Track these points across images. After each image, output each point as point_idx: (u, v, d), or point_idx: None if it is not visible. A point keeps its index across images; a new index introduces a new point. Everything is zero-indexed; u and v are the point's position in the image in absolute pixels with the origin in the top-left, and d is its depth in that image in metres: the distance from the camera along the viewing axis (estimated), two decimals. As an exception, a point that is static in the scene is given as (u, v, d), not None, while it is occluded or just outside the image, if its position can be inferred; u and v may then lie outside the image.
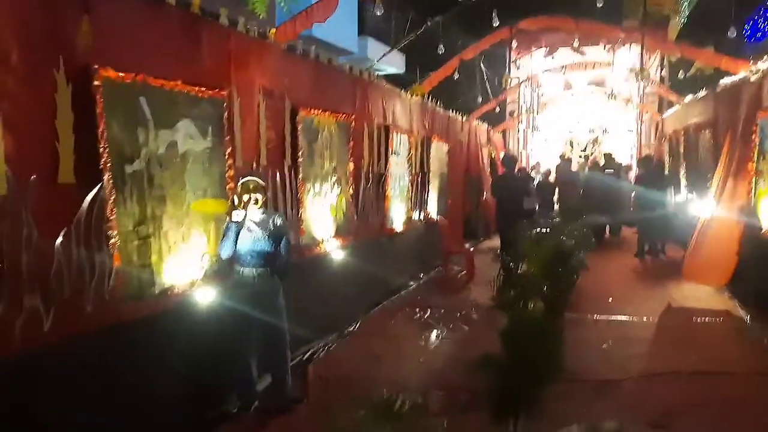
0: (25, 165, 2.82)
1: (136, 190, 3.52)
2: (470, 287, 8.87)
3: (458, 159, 11.91)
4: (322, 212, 6.05)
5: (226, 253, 4.06)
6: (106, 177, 3.26)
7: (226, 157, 4.36)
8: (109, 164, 3.28)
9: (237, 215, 4.00)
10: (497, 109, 16.61)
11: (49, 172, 2.98)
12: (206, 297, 3.98)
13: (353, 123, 6.66)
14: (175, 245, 3.82)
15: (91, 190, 3.18)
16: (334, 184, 6.30)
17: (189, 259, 3.95)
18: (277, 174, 5.18)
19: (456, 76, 11.10)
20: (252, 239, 4.12)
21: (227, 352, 4.14)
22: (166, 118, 3.78)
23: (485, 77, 17.82)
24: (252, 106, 4.82)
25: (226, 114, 4.35)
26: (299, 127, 5.51)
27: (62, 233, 2.98)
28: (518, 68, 17.62)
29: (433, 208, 10.19)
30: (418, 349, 5.90)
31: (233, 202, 4.15)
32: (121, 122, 3.42)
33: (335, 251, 6.24)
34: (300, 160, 5.54)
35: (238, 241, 4.06)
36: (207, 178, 4.17)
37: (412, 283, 8.97)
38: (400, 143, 8.36)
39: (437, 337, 6.29)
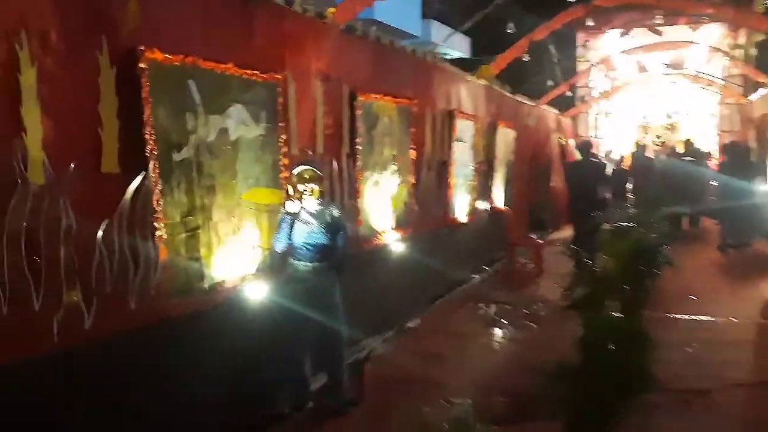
0: (65, 153, 2.65)
1: (184, 179, 3.32)
2: (538, 282, 8.43)
3: (526, 146, 11.38)
4: (381, 202, 5.76)
5: (279, 246, 3.84)
6: (151, 165, 3.07)
7: (281, 144, 4.13)
8: (155, 152, 3.09)
9: (291, 206, 3.78)
10: (568, 93, 15.83)
11: (92, 160, 2.81)
12: (258, 292, 3.78)
13: (415, 108, 6.32)
14: (225, 237, 3.62)
15: (135, 180, 2.99)
16: (394, 172, 6.00)
17: (240, 253, 3.75)
18: (334, 162, 4.93)
19: (525, 58, 10.51)
20: (307, 232, 3.88)
21: (280, 351, 3.93)
22: (217, 102, 3.57)
23: (555, 60, 17.01)
24: (308, 90, 4.57)
25: (280, 99, 4.12)
26: (358, 113, 5.23)
27: (104, 225, 2.81)
28: (590, 50, 16.74)
29: (498, 198, 9.75)
30: (483, 349, 5.56)
31: (287, 192, 3.92)
32: (169, 107, 3.22)
33: (394, 243, 5.95)
34: (358, 147, 5.27)
35: (292, 234, 3.84)
36: (259, 167, 3.95)
37: (475, 276, 8.60)
38: (464, 129, 7.97)
39: (503, 336, 5.92)
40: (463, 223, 8.07)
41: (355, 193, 5.24)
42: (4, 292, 2.37)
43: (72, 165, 2.66)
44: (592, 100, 17.22)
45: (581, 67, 16.64)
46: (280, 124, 4.13)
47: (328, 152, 4.84)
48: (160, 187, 3.13)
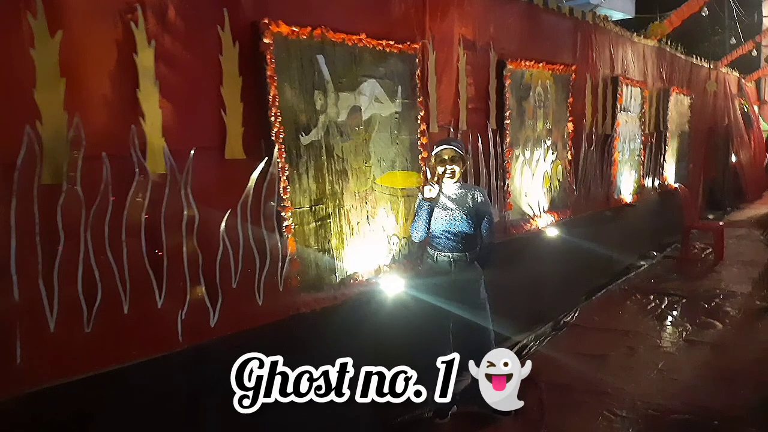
0: (186, 139, 2.47)
1: (313, 163, 3.06)
2: (719, 271, 7.29)
3: (702, 115, 9.96)
4: (533, 183, 5.17)
5: (418, 235, 3.46)
6: (277, 149, 2.83)
7: (419, 121, 3.74)
8: (281, 135, 2.85)
9: (431, 191, 3.36)
10: (753, 53, 13.71)
11: (215, 146, 2.62)
12: (394, 286, 3.45)
13: (573, 75, 5.60)
14: (358, 226, 3.33)
15: (260, 166, 2.76)
16: (548, 149, 5.37)
17: (374, 243, 3.43)
18: (480, 140, 4.44)
19: (704, 12, 9.11)
20: (448, 219, 3.45)
21: (419, 349, 3.57)
22: (348, 78, 3.26)
23: (736, 16, 14.82)
24: (450, 60, 4.12)
25: (418, 71, 3.72)
26: (507, 83, 4.68)
27: (227, 216, 2.61)
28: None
29: (670, 175, 8.60)
30: (655, 350, 4.79)
31: (426, 175, 3.52)
32: (296, 85, 2.96)
33: (549, 228, 5.34)
34: (507, 122, 4.72)
35: (431, 221, 3.44)
36: (395, 148, 3.60)
37: (642, 263, 7.65)
38: (631, 97, 7.02)
39: (680, 336, 5.08)
40: (629, 204, 7.17)
41: (503, 173, 4.72)
42: (125, 289, 2.23)
43: (193, 152, 2.47)
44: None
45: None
46: (418, 99, 3.74)
47: (472, 129, 4.37)
48: (287, 173, 2.88)
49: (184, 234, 2.43)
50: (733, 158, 11.92)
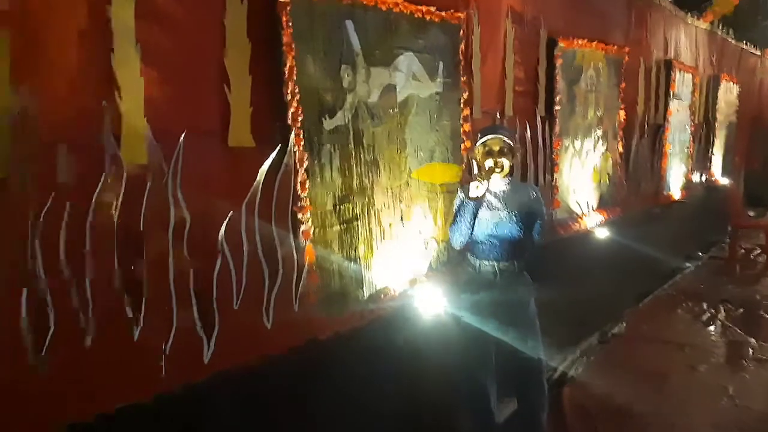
0: (177, 121, 1.92)
1: (338, 153, 2.49)
2: (772, 275, 6.67)
3: (749, 104, 9.24)
4: (582, 177, 4.58)
5: (459, 240, 2.85)
6: (294, 135, 2.27)
7: (462, 105, 3.17)
8: (299, 118, 2.29)
9: (475, 187, 2.77)
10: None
11: (215, 130, 2.06)
12: (431, 301, 2.89)
13: (627, 57, 4.97)
14: (390, 229, 2.76)
15: (272, 156, 2.21)
16: (598, 139, 4.76)
17: (409, 248, 2.88)
18: (527, 128, 3.85)
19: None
20: (494, 221, 2.86)
21: (458, 373, 3.02)
22: (382, 50, 2.69)
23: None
24: (496, 35, 3.54)
25: (462, 45, 3.14)
26: (558, 64, 4.07)
27: (229, 218, 2.06)
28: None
29: (717, 168, 7.94)
30: (720, 370, 4.20)
31: (470, 168, 2.95)
32: (319, 57, 2.39)
33: (597, 228, 4.74)
34: (557, 108, 4.12)
35: (475, 224, 2.85)
36: (435, 135, 3.02)
37: (688, 264, 7.03)
38: (682, 84, 6.37)
39: (746, 353, 4.48)
40: (678, 201, 6.53)
41: (551, 166, 4.13)
42: (87, 315, 1.69)
43: (183, 137, 1.91)
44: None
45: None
46: (461, 79, 3.16)
47: (520, 115, 3.78)
48: (305, 164, 2.32)
49: (171, 242, 1.89)
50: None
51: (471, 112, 3.25)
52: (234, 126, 2.11)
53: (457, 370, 2.99)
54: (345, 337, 2.47)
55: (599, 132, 4.74)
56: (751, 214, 9.63)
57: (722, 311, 5.42)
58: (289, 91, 2.25)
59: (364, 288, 2.62)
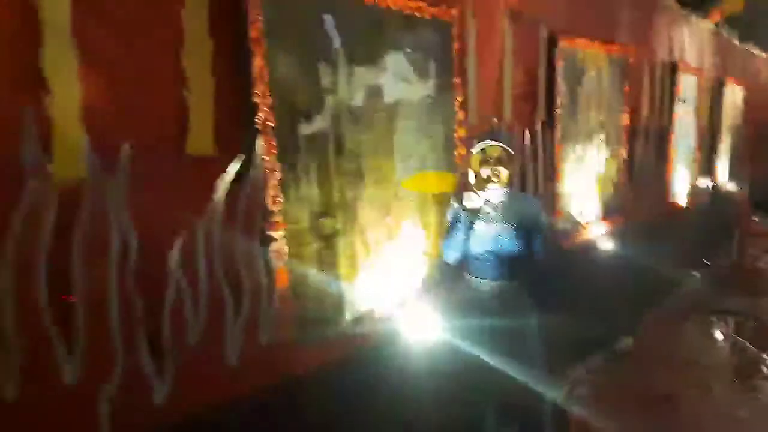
0: (122, 127, 1.65)
1: (316, 162, 2.23)
2: (783, 285, 6.40)
3: (756, 108, 9.01)
4: (584, 184, 4.32)
5: (453, 255, 2.59)
6: (264, 142, 2.01)
7: (455, 109, 2.91)
8: (270, 122, 2.03)
9: (470, 199, 2.50)
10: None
11: (170, 137, 1.80)
12: (422, 325, 2.62)
13: (631, 59, 4.72)
14: (376, 246, 2.50)
15: (237, 165, 1.94)
16: (601, 144, 4.50)
17: (397, 267, 2.61)
18: (527, 132, 3.59)
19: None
20: (492, 235, 2.60)
21: (455, 405, 2.75)
22: (366, 48, 2.43)
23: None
24: (493, 32, 3.28)
25: (455, 44, 2.89)
26: (559, 65, 3.82)
27: (182, 239, 1.79)
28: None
29: (722, 174, 7.69)
30: (735, 393, 3.92)
31: (465, 178, 2.68)
32: (293, 54, 2.13)
33: (600, 238, 4.48)
34: (558, 112, 3.87)
35: (470, 238, 2.59)
36: (427, 142, 2.76)
37: (695, 274, 6.75)
38: (687, 87, 6.11)
39: (761, 373, 4.21)
40: (683, 208, 6.28)
41: (552, 173, 3.87)
42: (12, 361, 1.43)
43: (129, 146, 1.65)
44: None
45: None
46: (454, 80, 2.90)
47: (519, 119, 3.53)
48: (278, 175, 2.06)
49: (114, 269, 1.62)
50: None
51: (466, 116, 2.99)
52: (193, 132, 1.85)
53: (450, 395, 2.72)
54: (324, 370, 2.20)
55: (602, 136, 4.49)
56: (756, 220, 9.41)
57: (732, 325, 5.15)
58: (258, 93, 1.99)
59: (346, 313, 2.35)
